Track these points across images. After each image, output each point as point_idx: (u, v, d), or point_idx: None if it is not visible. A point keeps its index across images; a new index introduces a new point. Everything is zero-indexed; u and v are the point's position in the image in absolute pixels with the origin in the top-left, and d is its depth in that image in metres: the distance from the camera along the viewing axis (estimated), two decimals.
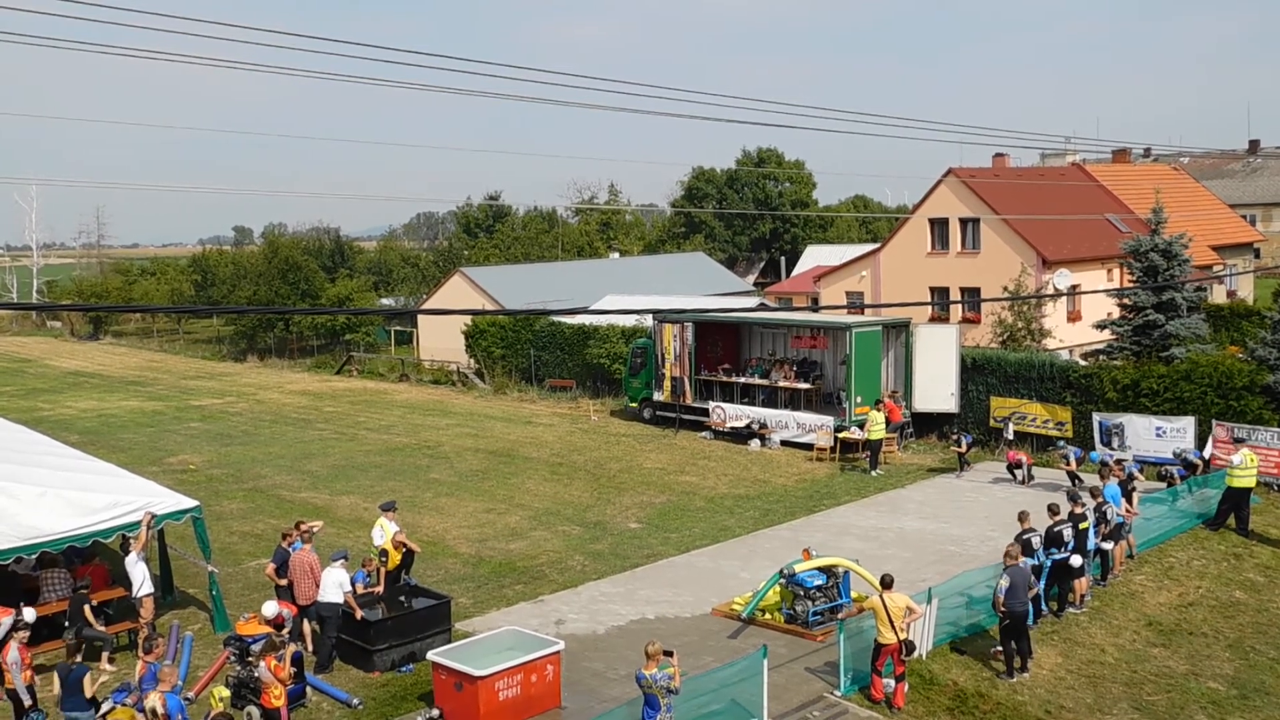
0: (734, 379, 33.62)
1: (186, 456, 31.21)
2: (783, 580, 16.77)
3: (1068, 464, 24.53)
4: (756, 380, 33.13)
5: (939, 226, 44.50)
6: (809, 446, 29.61)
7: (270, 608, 15.70)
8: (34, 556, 16.39)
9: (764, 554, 20.42)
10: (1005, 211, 42.30)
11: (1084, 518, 17.71)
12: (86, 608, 15.60)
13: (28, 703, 13.25)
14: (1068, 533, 17.22)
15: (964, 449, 26.73)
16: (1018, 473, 25.82)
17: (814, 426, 29.85)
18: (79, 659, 13.03)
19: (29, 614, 14.62)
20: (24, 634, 13.79)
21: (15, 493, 15.83)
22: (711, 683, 13.70)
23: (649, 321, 35.66)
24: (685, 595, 18.45)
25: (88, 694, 12.81)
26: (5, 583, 15.90)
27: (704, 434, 32.31)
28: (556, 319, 41.58)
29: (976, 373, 29.77)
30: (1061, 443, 25.89)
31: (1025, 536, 16.91)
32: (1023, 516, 17.54)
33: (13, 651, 13.30)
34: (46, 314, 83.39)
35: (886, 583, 14.74)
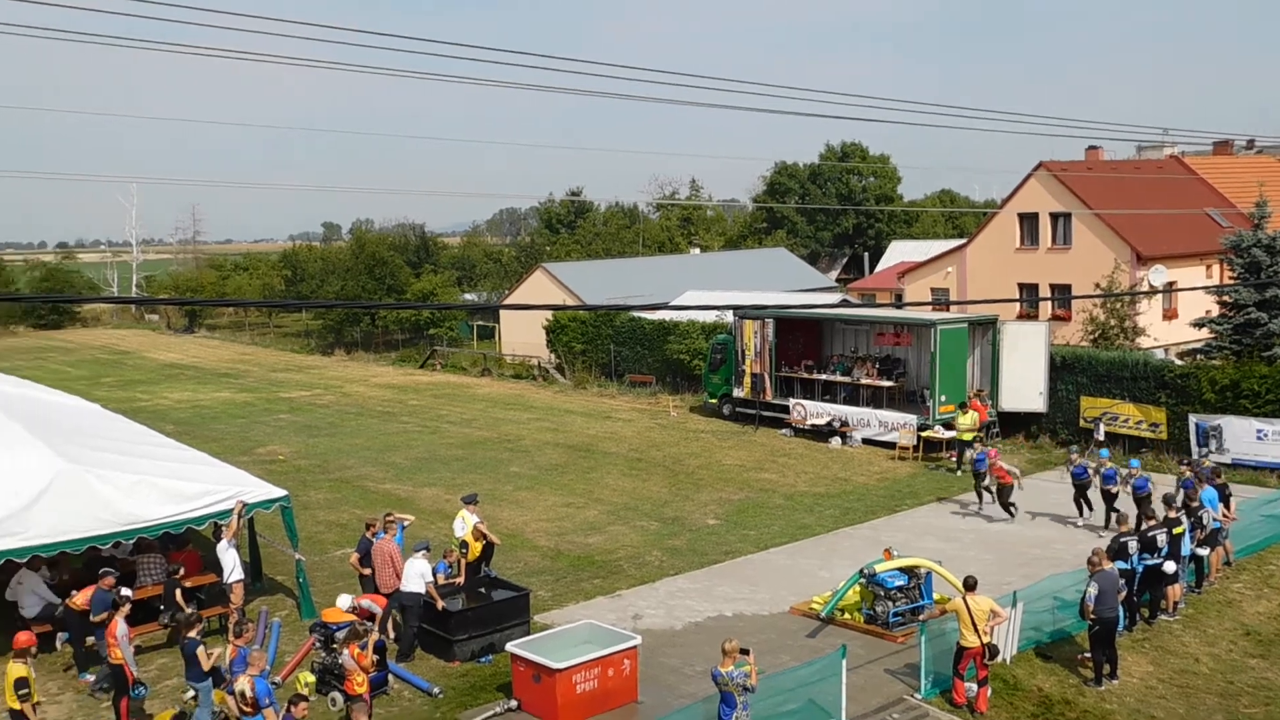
0: (815, 376, 33.33)
1: (275, 447, 31.91)
2: (863, 580, 16.58)
3: (1072, 462, 22.16)
4: (838, 377, 32.79)
5: (1028, 221, 43.62)
6: (891, 445, 29.23)
7: (344, 600, 15.98)
8: (131, 541, 16.94)
9: (843, 553, 20.21)
10: (1098, 206, 41.28)
11: (1179, 522, 17.20)
12: (178, 592, 16.04)
13: (136, 674, 13.70)
14: (1162, 538, 16.74)
15: (961, 460, 23.92)
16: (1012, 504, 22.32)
17: (897, 425, 29.46)
18: (193, 634, 13.41)
19: (126, 591, 15.14)
20: (126, 608, 14.23)
21: (114, 480, 16.32)
22: (789, 681, 13.61)
23: (729, 317, 35.54)
24: (763, 593, 18.35)
25: (205, 667, 13.23)
26: (104, 566, 16.39)
27: (784, 431, 32.10)
28: (637, 314, 41.68)
29: (1066, 371, 29.10)
30: (1074, 448, 23.36)
31: (1122, 540, 16.49)
32: (1122, 520, 17.13)
33: (121, 625, 13.75)
34: (145, 308, 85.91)
35: (970, 585, 14.49)
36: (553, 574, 19.61)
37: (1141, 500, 19.76)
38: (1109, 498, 21.15)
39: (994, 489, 22.63)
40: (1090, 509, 21.91)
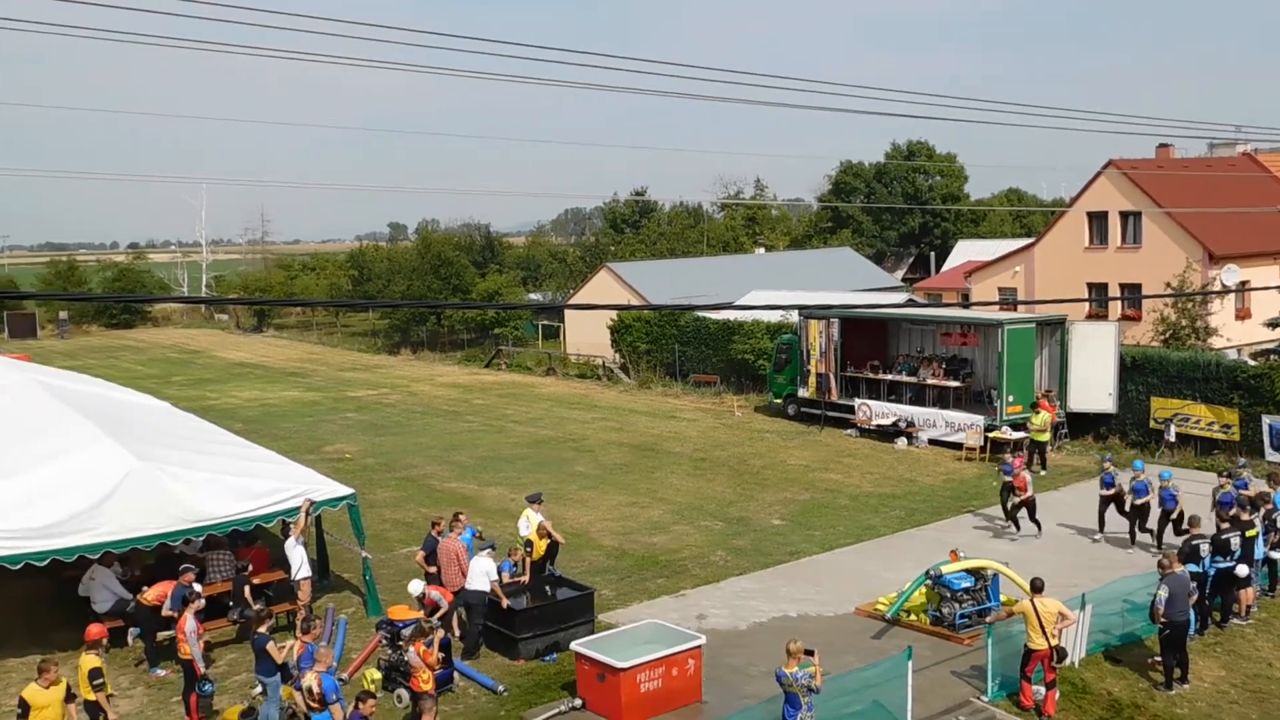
0: (881, 376, 33.05)
1: (342, 445, 32.37)
2: (929, 581, 16.42)
3: (1106, 465, 21.06)
4: (904, 378, 32.49)
5: (1097, 220, 42.91)
6: (958, 446, 28.90)
7: (415, 586, 16.17)
8: (201, 538, 17.28)
9: (909, 554, 20.02)
10: (1169, 204, 40.46)
11: (1251, 525, 16.82)
12: (246, 589, 16.34)
13: (203, 669, 14.00)
14: (1235, 540, 16.37)
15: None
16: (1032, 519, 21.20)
17: (963, 425, 29.12)
18: (263, 629, 13.68)
19: (197, 587, 15.46)
20: (198, 603, 14.54)
21: (185, 478, 16.67)
22: (854, 683, 13.53)
23: (794, 317, 35.39)
24: (827, 594, 18.25)
25: (277, 659, 13.44)
26: (175, 563, 16.78)
27: (849, 431, 31.88)
28: (701, 314, 41.67)
29: (1136, 372, 28.56)
30: (1109, 456, 22.38)
31: (1194, 543, 16.15)
32: (1193, 522, 16.76)
33: (190, 621, 14.06)
34: (214, 307, 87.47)
35: (1037, 586, 14.29)
36: (617, 573, 19.67)
37: (1170, 516, 19.08)
38: (1137, 511, 20.28)
39: (1015, 498, 21.40)
40: (1104, 526, 20.94)
